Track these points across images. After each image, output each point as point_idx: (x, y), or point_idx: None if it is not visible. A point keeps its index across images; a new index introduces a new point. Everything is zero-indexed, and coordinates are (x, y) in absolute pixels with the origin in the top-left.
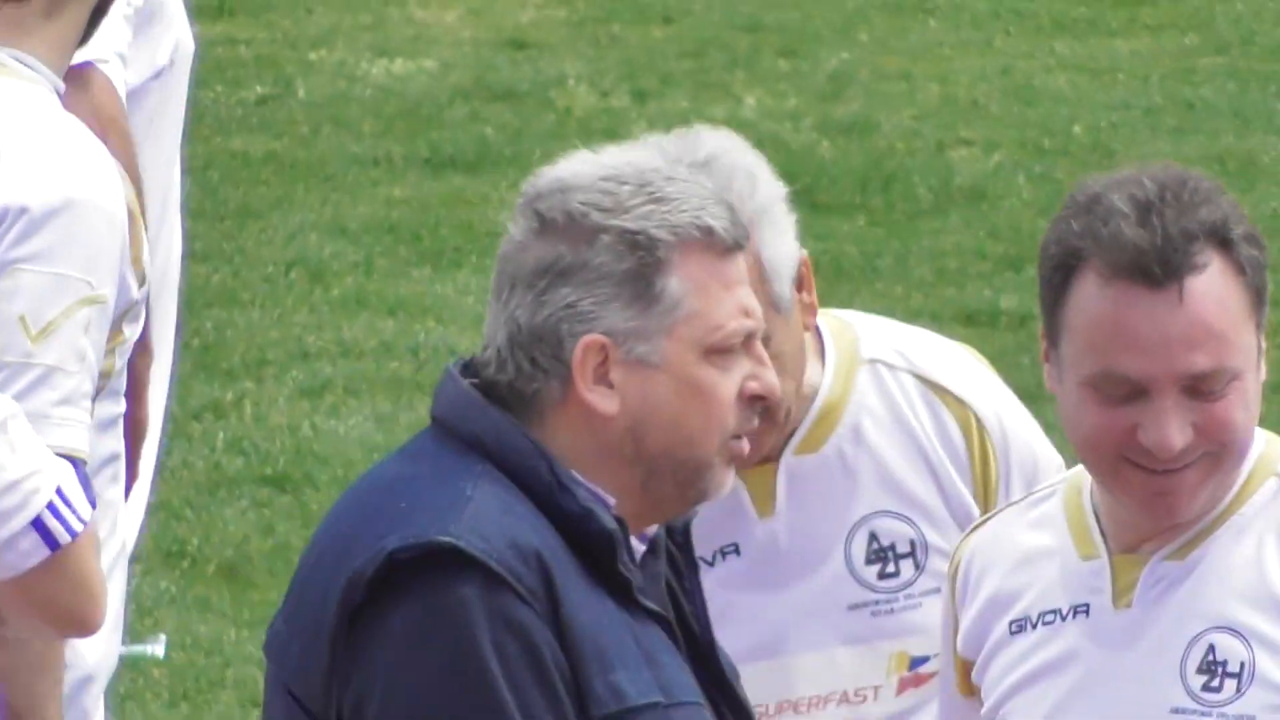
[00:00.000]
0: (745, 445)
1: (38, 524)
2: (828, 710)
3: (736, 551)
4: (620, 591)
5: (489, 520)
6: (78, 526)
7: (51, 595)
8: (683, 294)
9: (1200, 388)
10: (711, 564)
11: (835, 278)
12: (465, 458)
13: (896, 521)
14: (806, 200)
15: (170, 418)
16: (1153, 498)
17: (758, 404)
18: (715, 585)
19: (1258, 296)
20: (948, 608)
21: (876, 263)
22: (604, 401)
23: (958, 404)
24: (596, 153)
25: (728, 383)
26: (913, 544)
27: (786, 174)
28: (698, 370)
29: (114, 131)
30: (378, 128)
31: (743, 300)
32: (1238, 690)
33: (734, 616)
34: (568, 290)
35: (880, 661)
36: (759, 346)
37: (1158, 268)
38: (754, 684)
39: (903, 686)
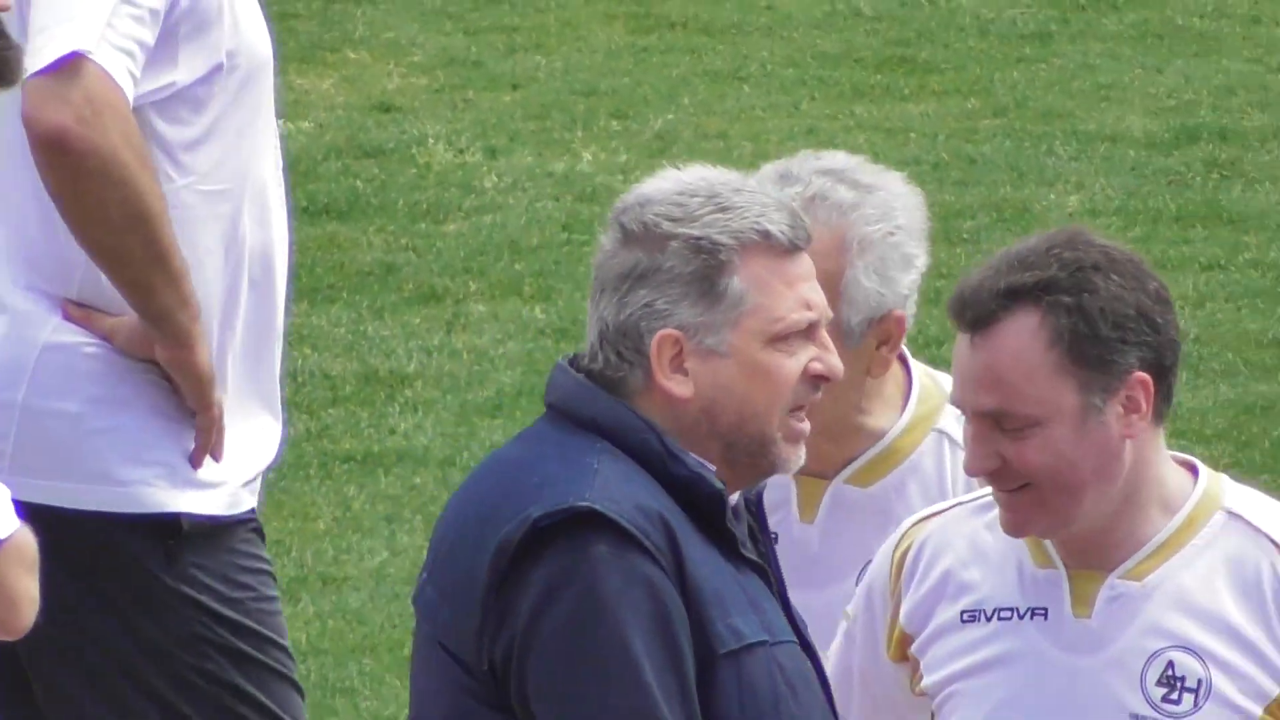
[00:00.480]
0: (805, 424)
1: None
2: None
3: (775, 540)
4: (726, 546)
5: (616, 487)
6: None
7: None
8: (745, 291)
9: (1003, 424)
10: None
11: None
12: (585, 437)
13: None
14: None
15: None
16: (1002, 513)
17: (820, 382)
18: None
19: (1082, 360)
20: (886, 582)
21: None
22: (679, 387)
23: None
24: (680, 169)
25: (792, 365)
26: None
27: None
28: (762, 356)
29: (109, 115)
30: None
31: (804, 294)
32: (1195, 705)
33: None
34: (645, 292)
35: None
36: (822, 334)
37: (968, 313)
38: None
39: None
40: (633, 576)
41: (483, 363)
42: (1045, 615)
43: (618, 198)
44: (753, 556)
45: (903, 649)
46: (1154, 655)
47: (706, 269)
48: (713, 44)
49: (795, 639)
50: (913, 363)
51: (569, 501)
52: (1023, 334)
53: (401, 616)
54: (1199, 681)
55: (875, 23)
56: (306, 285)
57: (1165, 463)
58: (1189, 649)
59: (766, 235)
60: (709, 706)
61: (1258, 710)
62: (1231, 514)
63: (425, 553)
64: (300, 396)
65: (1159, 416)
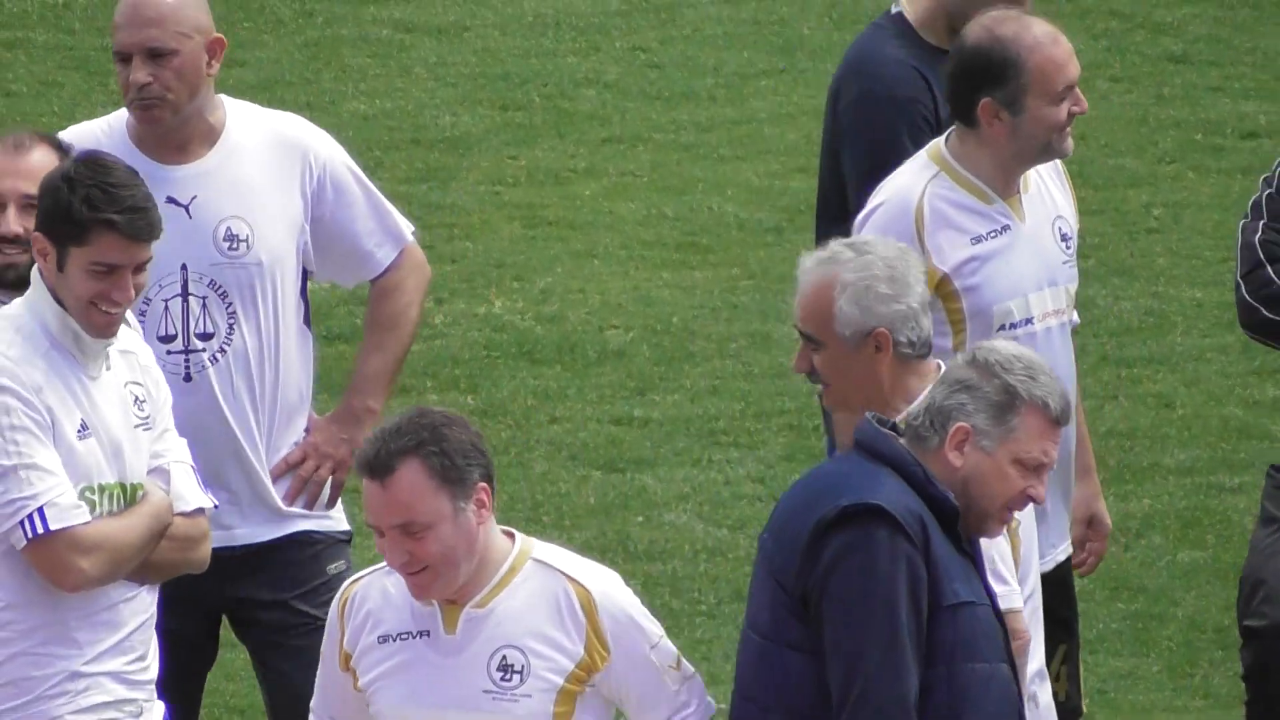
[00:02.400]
0: (1012, 516)
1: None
2: None
3: (428, 635)
4: (955, 543)
5: (895, 495)
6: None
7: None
8: (1018, 428)
9: (409, 531)
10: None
11: None
12: (877, 463)
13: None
14: None
15: None
16: (410, 586)
17: (1029, 502)
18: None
19: (449, 483)
20: (335, 625)
21: None
22: (955, 459)
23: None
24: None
25: (1020, 483)
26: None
27: None
28: (1008, 468)
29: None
30: None
31: (1047, 448)
32: (521, 680)
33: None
34: (964, 397)
35: None
36: (1043, 473)
37: (375, 465)
38: None
39: None
40: (897, 554)
41: None
42: (429, 634)
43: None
44: (970, 551)
45: (347, 663)
46: (494, 652)
47: (1006, 403)
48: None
49: (990, 605)
50: None
51: (864, 498)
52: (412, 472)
53: None
54: (523, 666)
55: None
56: None
57: (495, 534)
58: (514, 646)
59: (1046, 407)
60: (933, 639)
61: (559, 680)
62: (537, 561)
63: None
64: None
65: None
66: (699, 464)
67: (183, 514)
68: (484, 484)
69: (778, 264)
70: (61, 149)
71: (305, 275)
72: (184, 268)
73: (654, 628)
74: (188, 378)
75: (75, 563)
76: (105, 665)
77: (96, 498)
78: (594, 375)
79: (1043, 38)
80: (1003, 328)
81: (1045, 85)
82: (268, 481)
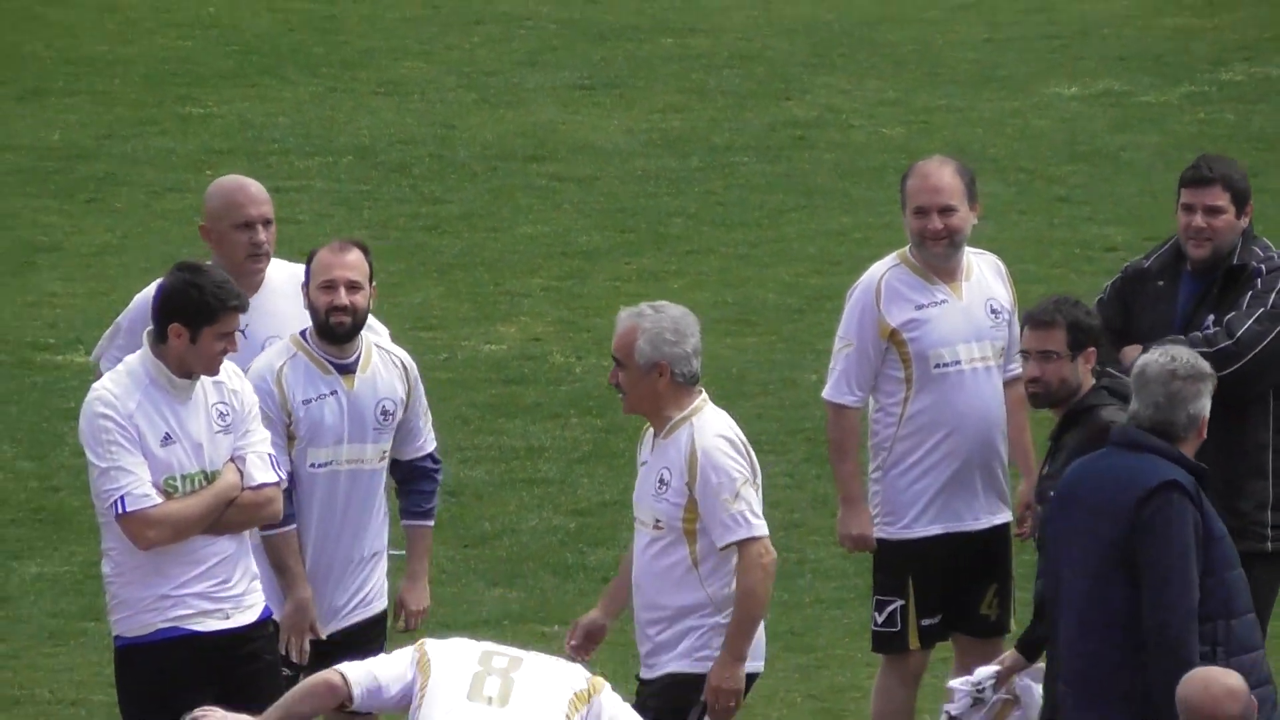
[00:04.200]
0: None
1: (116, 503)
2: None
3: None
4: (1201, 510)
5: (1178, 473)
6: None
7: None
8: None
9: None
10: None
11: None
12: (1140, 453)
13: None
14: None
15: None
16: None
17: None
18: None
19: None
20: None
21: None
22: (1195, 446)
23: None
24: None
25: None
26: None
27: None
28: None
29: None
30: None
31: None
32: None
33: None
34: (1196, 394)
35: None
36: None
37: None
38: None
39: None
40: (1186, 515)
41: None
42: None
43: None
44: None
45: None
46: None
47: (1197, 393)
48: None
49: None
50: None
51: (1169, 476)
52: None
53: None
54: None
55: None
56: None
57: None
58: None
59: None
60: (1205, 560)
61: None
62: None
63: None
64: None
65: None
66: None
67: (250, 488)
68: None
69: (802, 334)
70: (366, 250)
71: None
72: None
73: None
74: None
75: (144, 533)
76: (190, 589)
77: (179, 484)
78: None
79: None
80: (939, 365)
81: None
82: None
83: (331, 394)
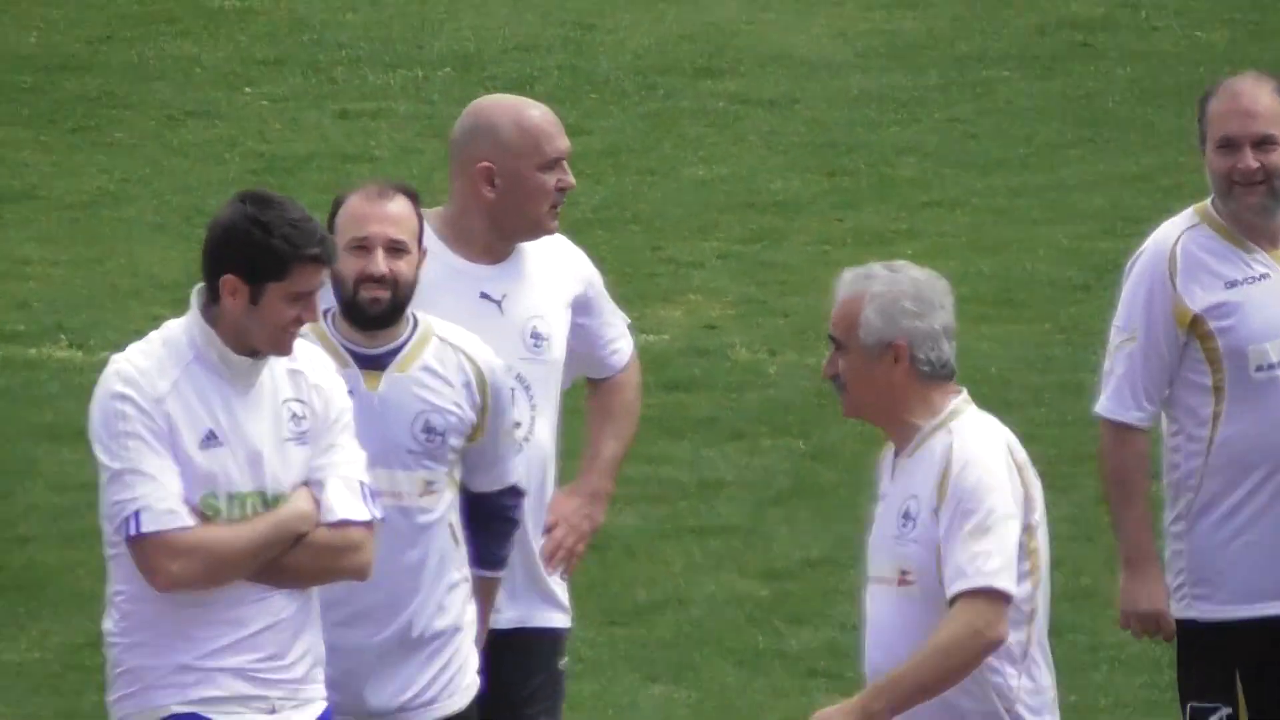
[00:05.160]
0: None
1: (129, 521)
2: None
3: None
4: None
5: None
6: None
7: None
8: None
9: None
10: None
11: None
12: None
13: None
14: None
15: None
16: None
17: None
18: None
19: None
20: None
21: None
22: None
23: None
24: None
25: None
26: None
27: None
28: None
29: None
30: None
31: None
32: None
33: None
34: None
35: None
36: None
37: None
38: None
39: None
40: None
41: None
42: None
43: None
44: None
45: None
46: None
47: None
48: None
49: None
50: None
51: None
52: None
53: None
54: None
55: None
56: None
57: None
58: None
59: None
60: None
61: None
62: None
63: None
64: None
65: None
66: None
67: (328, 524)
68: None
69: (1087, 319)
70: (415, 197)
71: None
72: None
73: None
74: None
75: (164, 565)
76: (223, 661)
77: (223, 505)
78: None
79: None
80: (1260, 368)
81: None
82: (541, 566)
83: None
